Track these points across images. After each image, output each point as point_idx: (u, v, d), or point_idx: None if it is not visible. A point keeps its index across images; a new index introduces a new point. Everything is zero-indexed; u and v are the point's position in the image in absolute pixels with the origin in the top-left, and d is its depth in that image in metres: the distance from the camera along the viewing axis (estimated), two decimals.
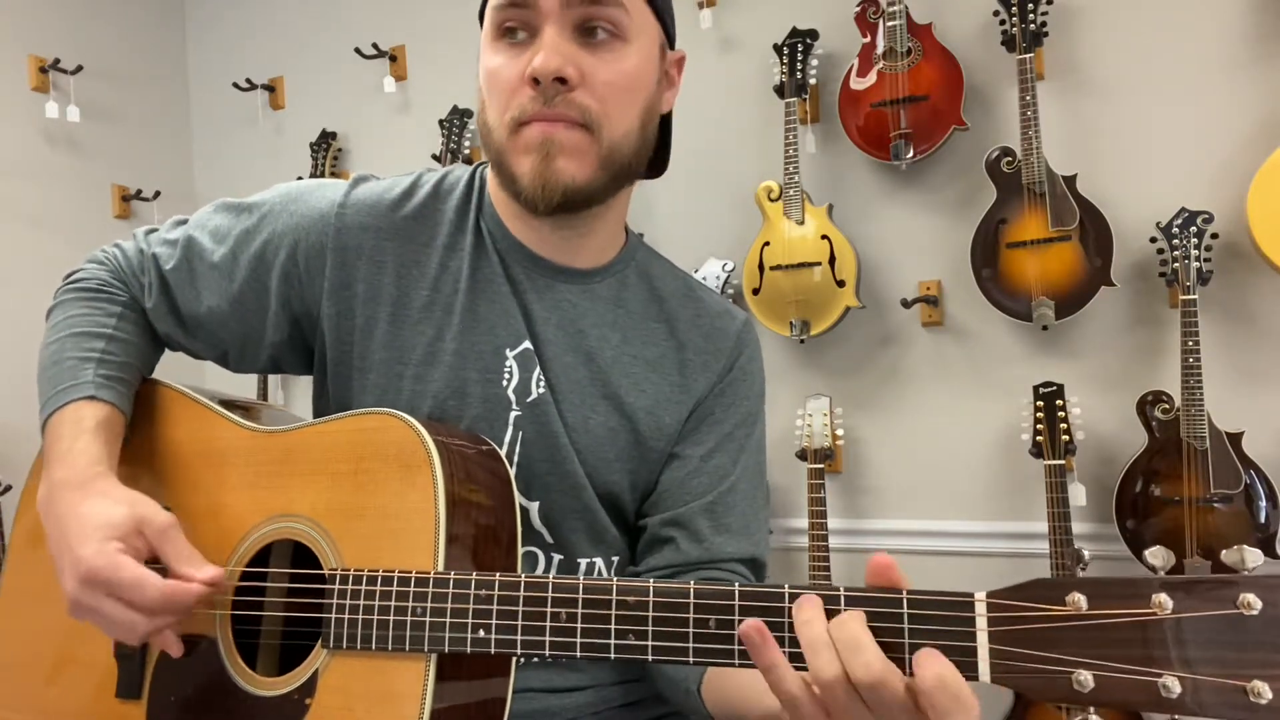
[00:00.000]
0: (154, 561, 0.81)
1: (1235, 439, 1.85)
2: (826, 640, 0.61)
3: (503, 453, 0.90)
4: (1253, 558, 0.55)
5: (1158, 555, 0.59)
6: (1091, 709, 1.77)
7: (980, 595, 0.61)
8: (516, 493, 0.92)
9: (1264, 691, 0.53)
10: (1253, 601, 0.54)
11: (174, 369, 1.02)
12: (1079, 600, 0.58)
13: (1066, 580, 0.59)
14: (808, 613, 0.63)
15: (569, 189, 0.86)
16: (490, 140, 0.89)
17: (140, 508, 0.82)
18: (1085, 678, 0.57)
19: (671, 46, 0.95)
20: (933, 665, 0.59)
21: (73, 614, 0.81)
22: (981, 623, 0.60)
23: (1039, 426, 1.97)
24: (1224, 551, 0.56)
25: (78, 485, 0.84)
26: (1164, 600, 0.56)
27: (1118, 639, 0.57)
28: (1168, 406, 1.90)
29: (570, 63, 0.84)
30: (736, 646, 0.66)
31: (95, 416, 0.89)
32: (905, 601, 0.62)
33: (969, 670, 0.60)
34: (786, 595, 0.65)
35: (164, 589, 0.78)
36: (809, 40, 2.29)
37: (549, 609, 0.72)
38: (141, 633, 0.80)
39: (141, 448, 0.95)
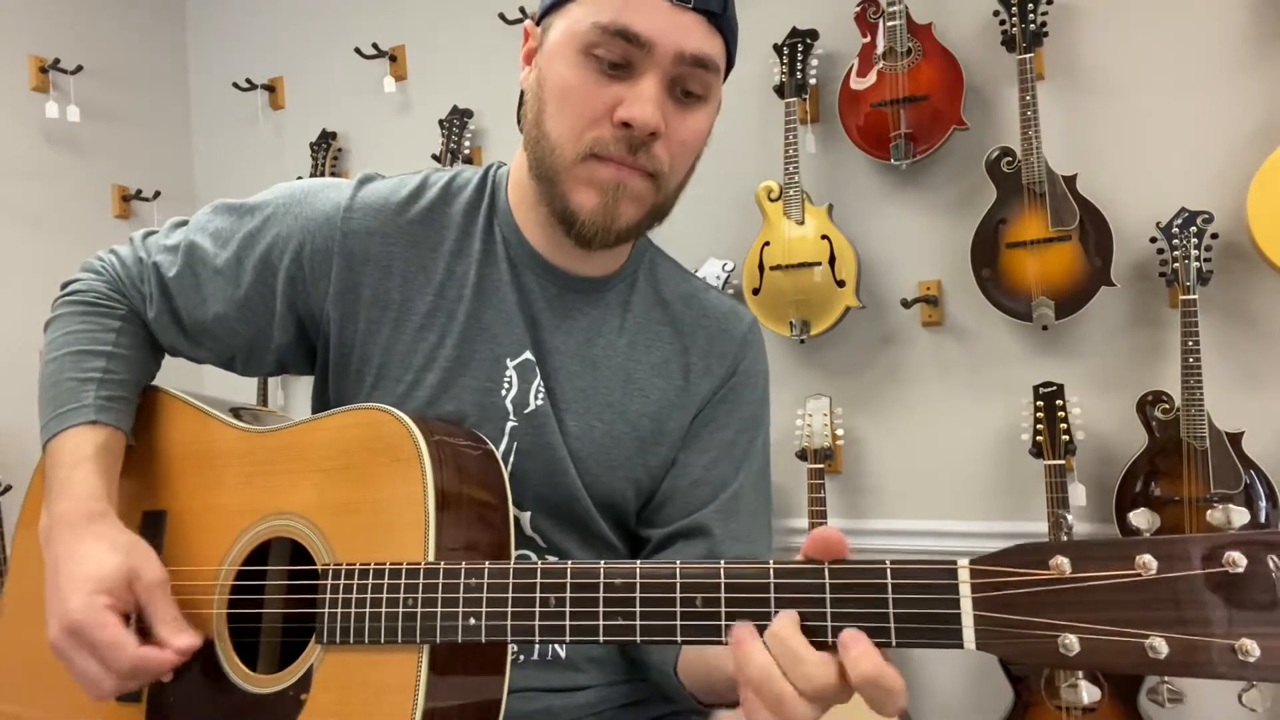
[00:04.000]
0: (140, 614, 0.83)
1: (1235, 439, 1.85)
2: (770, 670, 0.62)
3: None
4: (1239, 516, 0.55)
5: (1141, 517, 0.58)
6: (1079, 675, 1.76)
7: (963, 562, 0.61)
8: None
9: (1252, 649, 0.52)
10: (1238, 559, 0.54)
11: (172, 370, 1.02)
12: (1062, 564, 0.58)
13: (1050, 544, 0.58)
14: (746, 648, 0.63)
15: (623, 232, 0.87)
16: (548, 156, 0.86)
17: (134, 558, 0.83)
18: (1071, 641, 0.57)
19: None
20: (862, 660, 0.61)
21: (54, 653, 0.82)
22: (965, 589, 0.60)
23: (1039, 426, 1.97)
24: (1209, 511, 0.55)
25: (76, 522, 0.84)
26: (1148, 561, 0.55)
27: (1103, 601, 0.56)
28: (1168, 406, 1.90)
29: (664, 119, 0.83)
30: (723, 623, 0.66)
31: (95, 442, 0.89)
32: (889, 571, 0.62)
33: (954, 638, 0.60)
34: (771, 572, 0.65)
35: (135, 658, 0.79)
36: (809, 40, 2.29)
37: (538, 594, 0.71)
38: (105, 691, 0.81)
39: (139, 452, 0.96)
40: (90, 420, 0.89)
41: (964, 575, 0.60)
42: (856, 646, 0.60)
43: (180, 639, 0.81)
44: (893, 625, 0.61)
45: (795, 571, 0.64)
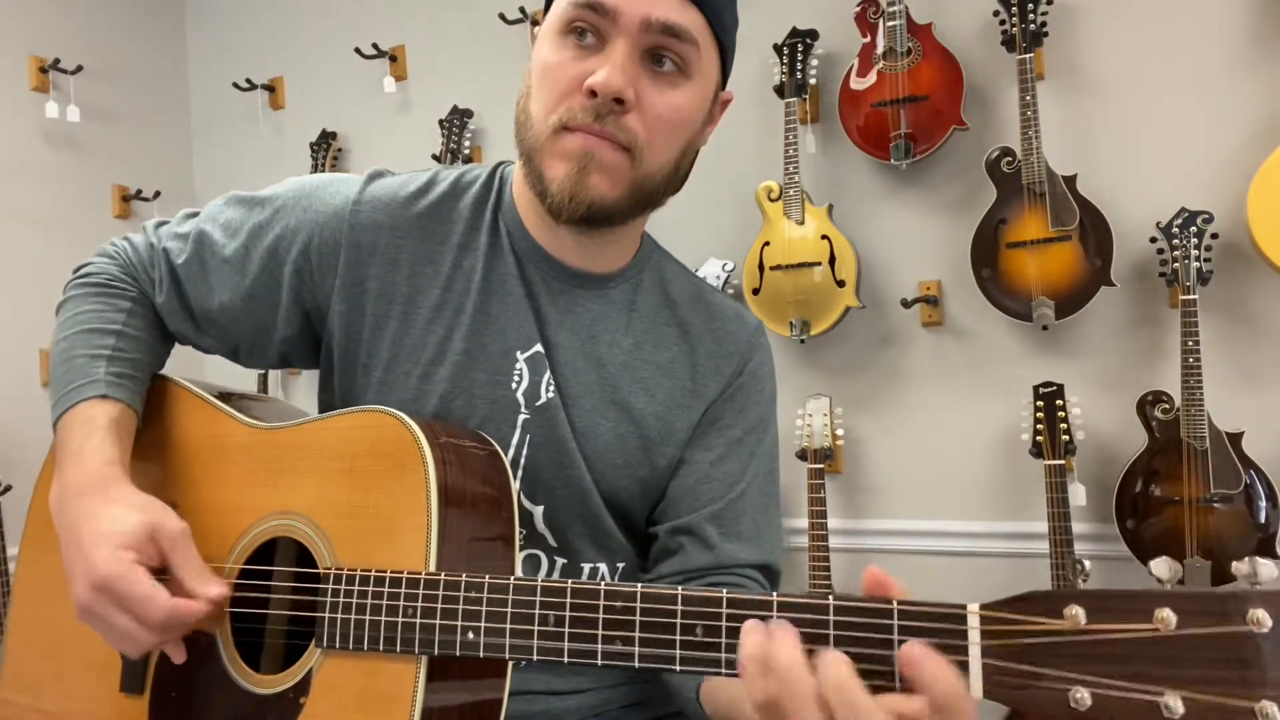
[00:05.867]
0: (163, 570, 0.82)
1: (1235, 439, 1.85)
2: (814, 694, 0.59)
3: (509, 456, 0.90)
4: (1265, 571, 0.52)
5: (1163, 567, 0.55)
6: None
7: (973, 607, 0.58)
8: (521, 496, 0.92)
9: (1274, 713, 0.50)
10: (1262, 618, 0.50)
11: (174, 362, 1.03)
12: (1077, 614, 0.55)
13: (1064, 592, 0.56)
14: (797, 658, 0.60)
15: (595, 205, 0.86)
16: (527, 133, 0.88)
17: (154, 514, 0.82)
18: (1083, 695, 0.54)
19: (723, 86, 0.94)
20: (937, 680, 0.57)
21: (81, 618, 0.81)
22: (974, 635, 0.57)
23: (1039, 426, 1.97)
24: (1235, 564, 0.52)
25: (90, 488, 0.83)
26: (1168, 616, 0.52)
27: (1118, 655, 0.54)
28: (1168, 406, 1.90)
29: (631, 85, 0.83)
30: (723, 655, 0.64)
31: (108, 415, 0.88)
32: (896, 613, 0.60)
33: None
34: (775, 605, 0.63)
35: (169, 608, 0.78)
36: (809, 40, 2.29)
37: (537, 611, 0.71)
38: (142, 645, 0.80)
39: (146, 444, 0.95)
40: (101, 394, 0.89)
41: (974, 622, 0.58)
42: (929, 663, 0.57)
43: (210, 588, 0.80)
44: (897, 668, 0.59)
45: (799, 606, 0.63)
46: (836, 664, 0.58)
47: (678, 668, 0.66)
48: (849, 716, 0.57)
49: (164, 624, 0.79)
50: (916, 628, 0.59)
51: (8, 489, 2.48)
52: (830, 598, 0.62)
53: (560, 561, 0.95)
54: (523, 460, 0.92)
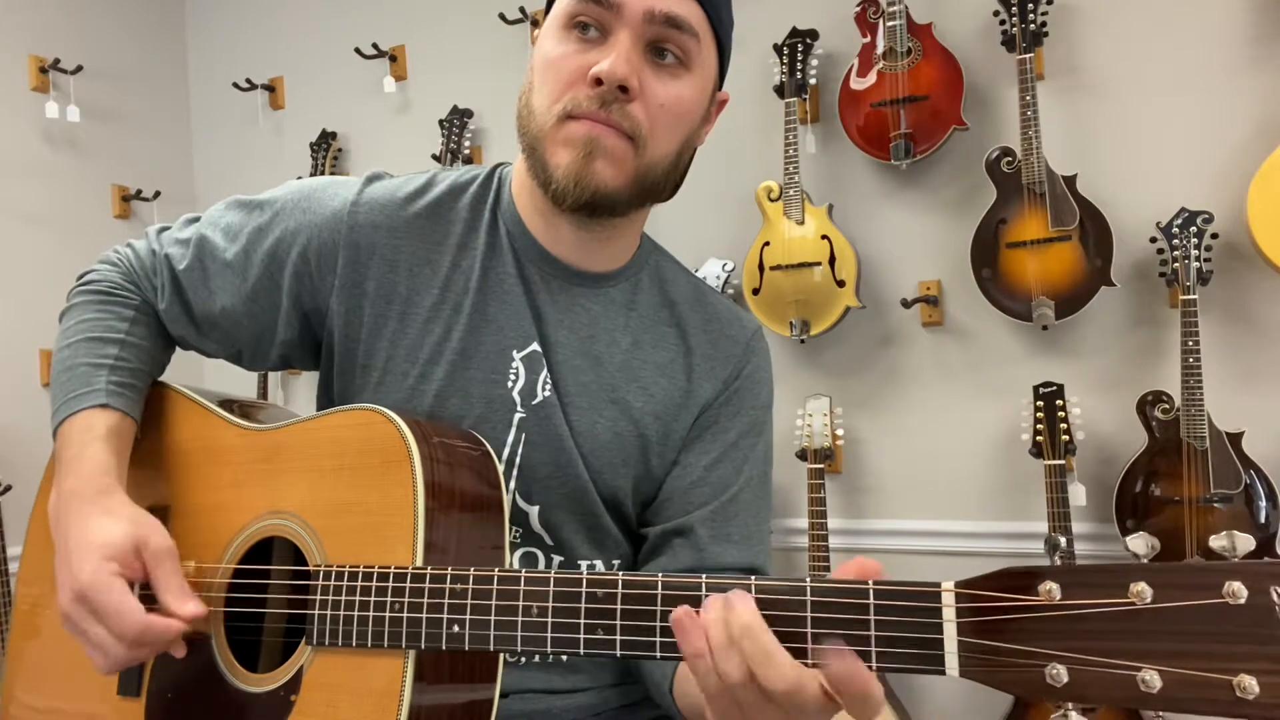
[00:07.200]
0: (147, 584, 0.82)
1: (1235, 439, 1.84)
2: (727, 642, 0.61)
3: (504, 455, 0.90)
4: (1243, 543, 0.52)
5: (1139, 541, 0.55)
6: (1070, 705, 1.74)
7: (948, 585, 0.58)
8: (517, 496, 0.92)
9: (1251, 686, 0.50)
10: (1238, 590, 0.51)
11: (173, 366, 1.03)
12: (1052, 589, 0.55)
13: (1039, 568, 0.56)
14: (714, 613, 0.63)
15: (599, 192, 0.86)
16: (530, 125, 0.88)
17: (141, 529, 0.83)
18: (1059, 671, 0.54)
19: (720, 86, 0.95)
20: (840, 663, 0.59)
21: (64, 627, 0.82)
22: (949, 614, 0.58)
23: (1039, 426, 1.97)
24: (1213, 537, 0.53)
25: (85, 498, 0.84)
26: (1143, 589, 0.52)
27: (1094, 631, 0.53)
28: (1168, 406, 1.90)
29: (635, 74, 0.84)
30: None
31: (106, 424, 0.89)
32: (871, 593, 0.60)
33: (935, 664, 0.58)
34: (753, 589, 0.63)
35: (142, 623, 0.79)
36: (809, 40, 2.29)
37: (520, 603, 0.71)
38: (114, 659, 0.80)
39: (143, 449, 0.96)
40: (101, 404, 0.90)
41: (948, 599, 0.58)
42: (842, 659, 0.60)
43: (186, 606, 0.81)
44: (873, 649, 0.60)
45: (777, 589, 0.63)
46: (752, 623, 0.61)
47: (658, 654, 0.66)
48: (758, 657, 0.60)
49: (137, 638, 0.79)
50: (892, 606, 0.59)
51: (8, 489, 2.48)
52: (808, 580, 0.62)
53: (557, 559, 0.95)
54: (518, 459, 0.92)
